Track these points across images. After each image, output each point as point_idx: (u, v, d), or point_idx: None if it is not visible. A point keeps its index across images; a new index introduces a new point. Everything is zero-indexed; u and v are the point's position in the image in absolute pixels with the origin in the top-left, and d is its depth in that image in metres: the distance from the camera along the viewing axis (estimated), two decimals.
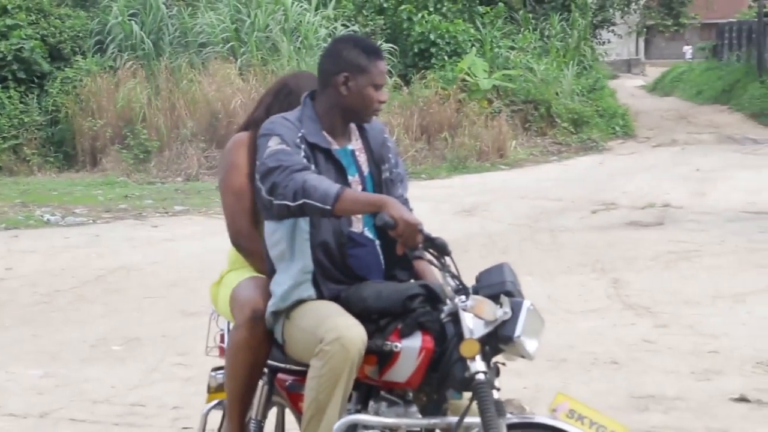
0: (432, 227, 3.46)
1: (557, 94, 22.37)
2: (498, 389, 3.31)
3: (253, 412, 3.87)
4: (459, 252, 3.59)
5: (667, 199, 14.00)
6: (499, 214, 13.19)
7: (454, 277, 3.40)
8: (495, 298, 3.30)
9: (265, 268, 3.71)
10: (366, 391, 3.53)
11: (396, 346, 3.39)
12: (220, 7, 20.40)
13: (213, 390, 4.08)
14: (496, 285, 3.36)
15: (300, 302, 3.54)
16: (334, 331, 3.34)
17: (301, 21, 20.24)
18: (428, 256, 3.41)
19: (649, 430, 5.47)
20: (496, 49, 22.68)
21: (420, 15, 21.99)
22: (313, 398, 3.39)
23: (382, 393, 3.49)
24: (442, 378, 3.36)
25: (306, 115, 3.62)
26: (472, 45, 22.03)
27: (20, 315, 8.45)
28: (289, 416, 3.99)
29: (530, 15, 26.34)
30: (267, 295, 3.64)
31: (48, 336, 7.77)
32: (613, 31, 36.31)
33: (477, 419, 3.23)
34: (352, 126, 3.72)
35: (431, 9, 22.55)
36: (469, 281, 3.42)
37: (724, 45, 40.56)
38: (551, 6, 27.26)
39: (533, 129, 21.50)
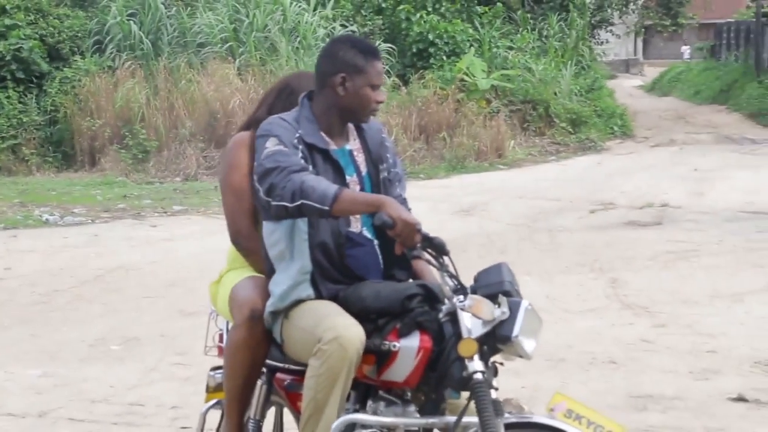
0: (430, 227, 3.47)
1: (555, 94, 22.38)
2: (496, 389, 3.31)
3: (252, 412, 3.87)
4: (457, 252, 3.60)
5: (665, 199, 14.01)
6: (497, 214, 13.19)
7: (452, 276, 3.40)
8: (493, 298, 3.30)
9: (265, 267, 3.72)
10: (364, 391, 3.54)
11: (394, 346, 3.39)
12: (218, 7, 20.40)
13: (212, 389, 4.09)
14: (494, 285, 3.37)
15: (298, 302, 3.54)
16: (332, 330, 3.34)
17: (299, 21, 20.24)
18: (426, 255, 3.41)
19: (647, 430, 5.48)
20: (495, 49, 22.69)
21: (418, 15, 21.99)
22: (311, 397, 3.39)
23: (381, 392, 3.50)
24: (440, 377, 3.36)
25: (303, 116, 3.63)
26: (471, 45, 22.03)
27: (19, 315, 8.46)
28: (288, 416, 3.99)
29: (528, 15, 26.34)
30: (266, 294, 3.65)
31: (47, 336, 7.77)
32: (611, 31, 36.31)
33: (475, 419, 3.24)
34: (350, 126, 3.72)
35: (429, 9, 22.55)
36: (468, 281, 3.43)
37: (722, 45, 40.59)
38: (549, 6, 27.26)
39: (531, 129, 21.51)
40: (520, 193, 15.16)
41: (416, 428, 3.48)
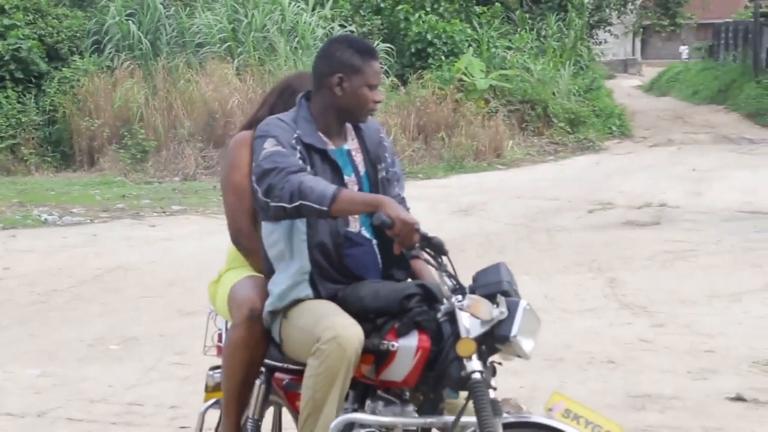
0: (429, 227, 3.48)
1: (554, 94, 22.38)
2: (494, 388, 3.32)
3: (251, 411, 3.88)
4: (456, 251, 3.61)
5: (663, 199, 14.01)
6: (495, 214, 13.20)
7: (450, 276, 3.41)
8: (491, 298, 3.31)
9: (264, 267, 3.72)
10: (363, 390, 3.54)
11: (393, 346, 3.40)
12: (217, 7, 20.40)
13: (210, 389, 4.09)
14: (492, 284, 3.37)
15: (297, 301, 3.55)
16: (331, 330, 3.35)
17: (298, 21, 20.23)
18: (425, 255, 3.42)
19: (645, 429, 5.48)
20: (493, 49, 22.69)
21: (417, 15, 21.98)
22: (310, 397, 3.40)
23: (379, 392, 3.50)
24: (438, 377, 3.37)
25: (301, 116, 3.63)
26: (469, 45, 22.03)
27: (18, 314, 8.45)
28: (287, 415, 4.00)
29: (527, 15, 26.34)
30: (265, 294, 3.65)
31: (45, 335, 7.77)
32: (609, 31, 36.31)
33: (473, 418, 3.25)
34: (348, 126, 3.73)
35: (428, 9, 22.54)
36: (466, 281, 3.43)
37: (721, 45, 40.62)
38: (548, 6, 27.27)
39: (530, 129, 21.51)
40: (518, 192, 15.17)
41: (414, 428, 3.49)
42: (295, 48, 19.75)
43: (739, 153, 20.16)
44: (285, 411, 4.02)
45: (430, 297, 3.46)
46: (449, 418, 3.40)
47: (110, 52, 19.53)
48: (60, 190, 15.58)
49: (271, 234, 3.60)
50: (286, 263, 3.56)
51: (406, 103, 19.46)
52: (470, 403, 3.26)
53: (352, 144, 3.71)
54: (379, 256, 3.63)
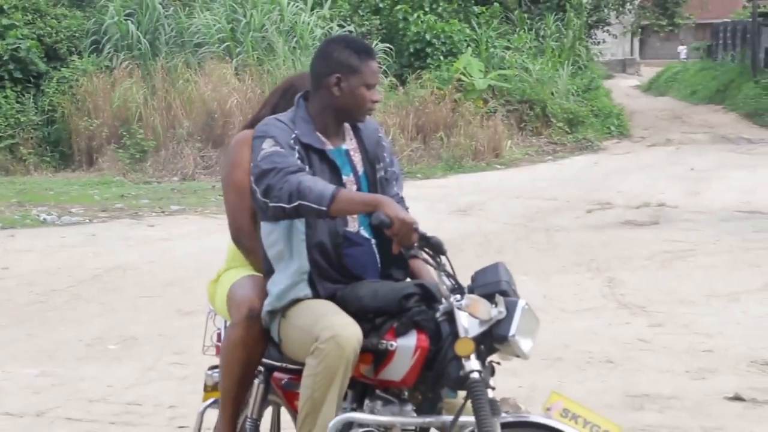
0: (428, 226, 3.48)
1: (552, 93, 22.39)
2: (493, 388, 3.32)
3: (249, 411, 3.88)
4: (454, 251, 3.61)
5: (661, 199, 14.02)
6: (494, 214, 13.21)
7: (449, 276, 3.41)
8: (490, 298, 3.31)
9: (263, 267, 3.72)
10: (361, 390, 3.54)
11: (391, 345, 3.40)
12: (215, 7, 20.40)
13: (209, 389, 4.10)
14: (491, 284, 3.37)
15: (296, 301, 3.55)
16: (329, 329, 3.35)
17: (296, 21, 20.23)
18: (424, 255, 3.42)
19: (644, 429, 5.48)
20: (492, 49, 22.70)
21: (416, 15, 21.98)
22: (308, 396, 3.40)
23: (378, 392, 3.50)
24: (437, 377, 3.37)
25: (299, 116, 3.63)
26: (468, 45, 22.03)
27: (16, 314, 8.45)
28: (285, 415, 4.00)
29: (525, 15, 26.35)
30: (263, 293, 3.66)
31: (44, 335, 7.77)
32: (608, 31, 36.32)
33: (472, 418, 3.25)
34: (347, 126, 3.73)
35: (427, 9, 22.55)
36: (465, 280, 3.44)
37: (719, 45, 40.66)
38: (546, 6, 27.28)
39: (528, 129, 21.53)
40: (517, 192, 15.17)
41: (413, 427, 3.49)
42: (294, 48, 19.75)
43: (738, 153, 20.18)
44: (284, 410, 4.02)
45: (428, 297, 3.47)
46: (448, 418, 3.40)
47: (109, 52, 19.53)
48: (59, 190, 15.58)
49: (270, 234, 3.60)
50: (285, 263, 3.57)
51: (404, 103, 19.47)
52: (469, 403, 3.26)
53: (350, 144, 3.72)
54: (377, 256, 3.64)
